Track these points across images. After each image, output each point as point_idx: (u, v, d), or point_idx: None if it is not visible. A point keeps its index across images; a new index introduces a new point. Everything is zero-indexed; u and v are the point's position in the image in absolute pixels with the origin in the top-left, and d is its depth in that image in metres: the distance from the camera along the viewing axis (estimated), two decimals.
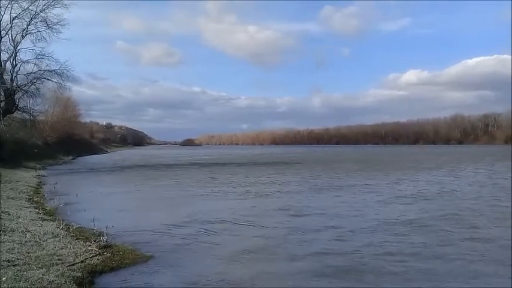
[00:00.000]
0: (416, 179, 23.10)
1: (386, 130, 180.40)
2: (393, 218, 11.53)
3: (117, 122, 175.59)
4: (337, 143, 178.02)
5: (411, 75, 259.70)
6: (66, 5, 30.18)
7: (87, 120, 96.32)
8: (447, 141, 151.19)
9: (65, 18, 30.60)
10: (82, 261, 7.01)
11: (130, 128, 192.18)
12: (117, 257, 7.54)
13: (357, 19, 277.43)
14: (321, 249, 8.42)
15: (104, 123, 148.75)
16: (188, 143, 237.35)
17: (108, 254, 7.63)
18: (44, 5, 29.57)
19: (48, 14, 30.00)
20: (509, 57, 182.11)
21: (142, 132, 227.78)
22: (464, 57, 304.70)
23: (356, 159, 49.91)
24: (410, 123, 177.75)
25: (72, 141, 62.58)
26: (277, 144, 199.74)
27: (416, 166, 34.39)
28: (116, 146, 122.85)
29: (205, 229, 10.40)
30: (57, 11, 30.18)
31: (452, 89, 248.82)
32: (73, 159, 50.62)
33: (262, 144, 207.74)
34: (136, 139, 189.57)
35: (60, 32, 30.74)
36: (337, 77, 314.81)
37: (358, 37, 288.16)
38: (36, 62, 30.18)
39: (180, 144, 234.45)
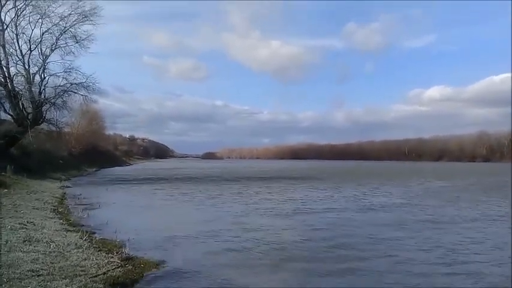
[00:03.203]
0: None
1: (410, 146, 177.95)
2: None
3: (140, 135, 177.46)
4: (360, 159, 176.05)
5: (435, 91, 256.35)
6: (95, 22, 30.95)
7: (111, 132, 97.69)
8: (472, 158, 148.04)
9: (93, 34, 31.36)
10: (104, 273, 7.08)
11: (152, 141, 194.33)
12: (139, 270, 7.59)
13: (380, 35, 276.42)
14: None
15: (127, 136, 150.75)
16: (209, 156, 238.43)
17: (130, 267, 7.69)
18: (74, 20, 30.38)
19: (77, 29, 30.81)
20: None
21: (165, 145, 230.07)
22: (490, 74, 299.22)
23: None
24: (434, 140, 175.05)
25: (97, 153, 63.68)
26: (299, 158, 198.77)
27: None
28: (139, 158, 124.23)
29: (232, 242, 10.44)
30: (86, 27, 30.98)
31: (476, 106, 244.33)
32: (97, 170, 51.40)
33: (282, 159, 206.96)
34: (158, 152, 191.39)
35: (88, 47, 31.50)
36: (359, 92, 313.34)
37: (381, 53, 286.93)
38: (64, 75, 30.90)
39: (201, 158, 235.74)
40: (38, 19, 29.69)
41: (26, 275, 6.51)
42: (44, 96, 30.99)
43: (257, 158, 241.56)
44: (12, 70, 29.47)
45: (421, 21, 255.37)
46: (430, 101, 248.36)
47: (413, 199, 21.49)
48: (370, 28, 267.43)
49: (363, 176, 46.48)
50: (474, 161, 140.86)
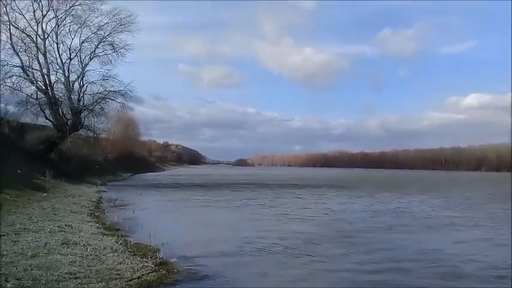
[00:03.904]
0: None
1: (446, 155, 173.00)
2: None
3: (173, 141, 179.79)
4: (394, 167, 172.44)
5: (472, 99, 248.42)
6: (131, 30, 31.76)
7: (146, 138, 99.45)
8: None
9: (129, 43, 32.18)
10: (139, 277, 7.15)
11: (186, 147, 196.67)
12: (172, 275, 7.61)
13: (415, 42, 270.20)
14: None
15: (162, 142, 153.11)
16: (241, 163, 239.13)
17: (164, 271, 7.73)
18: (112, 29, 31.29)
19: (115, 38, 31.69)
20: None
21: (197, 151, 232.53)
22: None
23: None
24: (471, 149, 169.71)
25: (131, 159, 64.98)
26: (330, 166, 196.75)
27: None
28: (172, 164, 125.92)
29: (265, 250, 10.36)
30: (123, 36, 31.81)
31: None
32: (131, 175, 52.38)
33: (314, 166, 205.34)
34: (191, 158, 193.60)
35: (124, 56, 32.31)
36: (393, 100, 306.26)
37: (416, 59, 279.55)
38: (102, 83, 31.76)
39: (232, 164, 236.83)
40: (78, 29, 30.78)
41: (64, 277, 6.65)
42: (83, 103, 31.94)
43: (288, 165, 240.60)
44: (53, 78, 30.67)
45: (458, 27, 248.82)
46: (467, 108, 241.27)
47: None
48: (405, 34, 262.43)
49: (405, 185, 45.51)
50: None
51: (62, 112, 31.33)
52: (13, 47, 28.68)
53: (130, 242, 10.19)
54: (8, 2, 28.40)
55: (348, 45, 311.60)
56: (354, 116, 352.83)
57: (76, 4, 30.03)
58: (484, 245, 11.83)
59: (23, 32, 29.03)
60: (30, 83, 29.67)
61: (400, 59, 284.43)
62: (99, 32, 31.15)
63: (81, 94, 31.69)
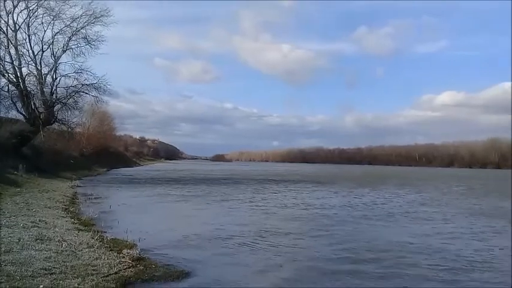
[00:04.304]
0: None
1: (420, 152, 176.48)
2: None
3: (150, 136, 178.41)
4: (369, 163, 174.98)
5: (446, 97, 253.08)
6: (105, 23, 31.22)
7: (122, 133, 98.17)
8: (484, 165, 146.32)
9: (103, 35, 31.63)
10: (116, 273, 7.07)
11: (162, 142, 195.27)
12: (150, 270, 7.55)
13: (392, 40, 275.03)
14: None
15: (138, 137, 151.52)
16: (218, 158, 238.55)
17: (141, 267, 7.66)
18: (85, 22, 30.67)
19: (89, 30, 31.09)
20: None
21: (174, 147, 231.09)
22: (501, 80, 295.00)
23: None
24: (444, 146, 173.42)
25: (107, 154, 64.02)
26: (308, 162, 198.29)
27: None
28: (149, 159, 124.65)
29: (241, 243, 10.43)
30: (97, 28, 31.25)
31: (489, 112, 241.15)
32: (107, 171, 51.63)
33: (292, 162, 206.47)
34: (168, 153, 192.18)
35: (98, 48, 31.75)
36: (370, 97, 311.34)
37: (392, 57, 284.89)
38: (76, 76, 31.16)
39: (210, 160, 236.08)
40: (51, 21, 30.03)
41: (39, 273, 6.53)
42: (56, 97, 31.30)
43: (266, 161, 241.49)
44: (24, 70, 29.88)
45: (434, 27, 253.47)
46: (442, 106, 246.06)
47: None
48: (381, 33, 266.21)
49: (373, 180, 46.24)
50: (485, 168, 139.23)
51: (35, 105, 30.65)
52: None
53: (107, 237, 10.06)
54: None
55: (326, 43, 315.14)
56: (332, 113, 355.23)
57: None
58: (446, 237, 12.31)
59: None
60: (1, 76, 28.85)
61: (377, 57, 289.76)
62: (72, 24, 30.50)
63: (54, 87, 31.07)
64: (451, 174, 78.56)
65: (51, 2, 29.47)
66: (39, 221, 11.05)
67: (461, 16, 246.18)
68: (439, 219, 16.10)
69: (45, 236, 9.20)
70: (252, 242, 10.71)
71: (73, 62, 31.06)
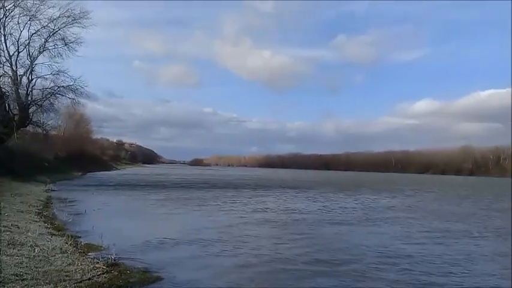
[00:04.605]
0: None
1: (396, 158, 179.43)
2: None
3: (127, 139, 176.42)
4: (346, 169, 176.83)
5: (422, 105, 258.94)
6: (84, 25, 30.86)
7: (98, 136, 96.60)
8: (457, 172, 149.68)
9: (82, 37, 31.26)
10: (89, 279, 6.99)
11: (140, 146, 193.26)
12: (125, 276, 7.49)
13: (371, 48, 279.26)
14: None
15: (115, 140, 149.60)
16: (197, 162, 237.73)
17: (116, 273, 7.59)
18: (63, 23, 30.25)
19: (66, 32, 30.67)
20: None
21: (152, 150, 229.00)
22: (476, 89, 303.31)
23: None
24: (419, 153, 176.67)
25: (83, 157, 62.85)
26: (285, 167, 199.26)
27: None
28: (126, 163, 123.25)
29: (216, 246, 10.47)
30: (75, 29, 30.84)
31: (463, 120, 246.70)
32: (83, 174, 50.84)
33: (270, 167, 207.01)
34: (146, 157, 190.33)
35: (76, 50, 31.35)
36: (348, 104, 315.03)
37: (371, 65, 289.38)
38: (52, 78, 30.67)
39: (188, 164, 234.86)
40: (27, 21, 29.50)
41: (10, 279, 6.41)
42: (31, 98, 30.73)
43: (244, 166, 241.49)
44: None
45: (411, 36, 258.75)
46: (418, 114, 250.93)
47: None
48: (360, 40, 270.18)
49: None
50: (459, 175, 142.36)
51: (9, 107, 30.01)
52: None
53: (81, 242, 9.94)
54: None
55: (308, 49, 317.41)
56: (311, 119, 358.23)
57: None
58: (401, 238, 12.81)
59: None
60: None
61: (357, 65, 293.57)
62: (49, 25, 30.03)
63: (30, 89, 30.49)
64: (424, 180, 79.96)
65: (28, 2, 28.98)
66: (12, 225, 10.82)
67: (437, 26, 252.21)
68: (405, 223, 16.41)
69: (18, 240, 9.03)
70: (227, 246, 10.79)
71: (50, 63, 30.63)
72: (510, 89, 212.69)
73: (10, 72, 29.40)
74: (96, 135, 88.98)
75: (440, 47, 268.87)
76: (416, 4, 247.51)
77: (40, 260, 7.72)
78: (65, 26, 30.39)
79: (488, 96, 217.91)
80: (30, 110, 31.28)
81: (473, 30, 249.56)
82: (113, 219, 15.59)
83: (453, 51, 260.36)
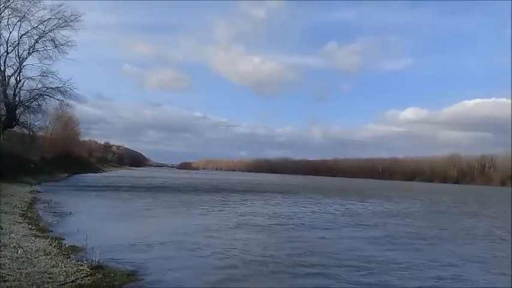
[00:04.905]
0: None
1: (383, 165, 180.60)
2: None
3: (115, 142, 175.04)
4: (334, 175, 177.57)
5: (410, 113, 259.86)
6: (74, 28, 30.74)
7: (86, 138, 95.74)
8: (444, 179, 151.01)
9: (73, 40, 31.16)
10: (73, 281, 6.96)
11: (128, 149, 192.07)
12: (109, 279, 7.48)
13: (359, 56, 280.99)
14: None
15: (103, 143, 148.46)
16: (185, 166, 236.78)
17: (100, 275, 7.57)
18: (54, 25, 30.13)
19: (57, 34, 30.54)
20: (507, 100, 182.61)
21: (140, 153, 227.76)
22: (463, 98, 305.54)
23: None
24: (407, 160, 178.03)
25: (70, 159, 62.26)
26: (274, 172, 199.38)
27: None
28: (113, 166, 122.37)
29: (198, 248, 10.57)
30: (65, 32, 30.72)
31: (450, 129, 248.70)
32: (70, 176, 50.31)
33: (259, 172, 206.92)
34: (133, 160, 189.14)
35: (66, 53, 31.22)
36: (337, 110, 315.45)
37: (359, 73, 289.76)
38: (41, 79, 30.49)
39: (176, 168, 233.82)
40: (17, 22, 29.34)
41: None
42: (19, 99, 30.51)
43: (233, 170, 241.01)
44: None
45: (399, 45, 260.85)
46: (405, 122, 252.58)
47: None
48: (350, 49, 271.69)
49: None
50: (445, 183, 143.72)
51: None
52: None
53: (65, 244, 9.89)
54: None
55: (298, 56, 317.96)
56: (300, 125, 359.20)
57: None
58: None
59: None
60: None
61: (345, 73, 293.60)
62: (40, 27, 29.90)
63: (18, 89, 30.30)
64: (411, 188, 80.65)
65: (18, 3, 28.81)
66: None
67: (424, 35, 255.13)
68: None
69: (0, 242, 8.96)
70: (214, 249, 10.82)
71: (39, 64, 30.47)
72: (495, 99, 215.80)
73: None
74: (84, 137, 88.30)
75: (426, 56, 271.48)
76: (403, 13, 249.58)
77: (23, 262, 7.68)
78: (55, 28, 30.30)
79: (475, 105, 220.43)
80: (18, 111, 31.09)
81: (461, 40, 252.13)
82: (98, 221, 15.51)
83: (439, 60, 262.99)
